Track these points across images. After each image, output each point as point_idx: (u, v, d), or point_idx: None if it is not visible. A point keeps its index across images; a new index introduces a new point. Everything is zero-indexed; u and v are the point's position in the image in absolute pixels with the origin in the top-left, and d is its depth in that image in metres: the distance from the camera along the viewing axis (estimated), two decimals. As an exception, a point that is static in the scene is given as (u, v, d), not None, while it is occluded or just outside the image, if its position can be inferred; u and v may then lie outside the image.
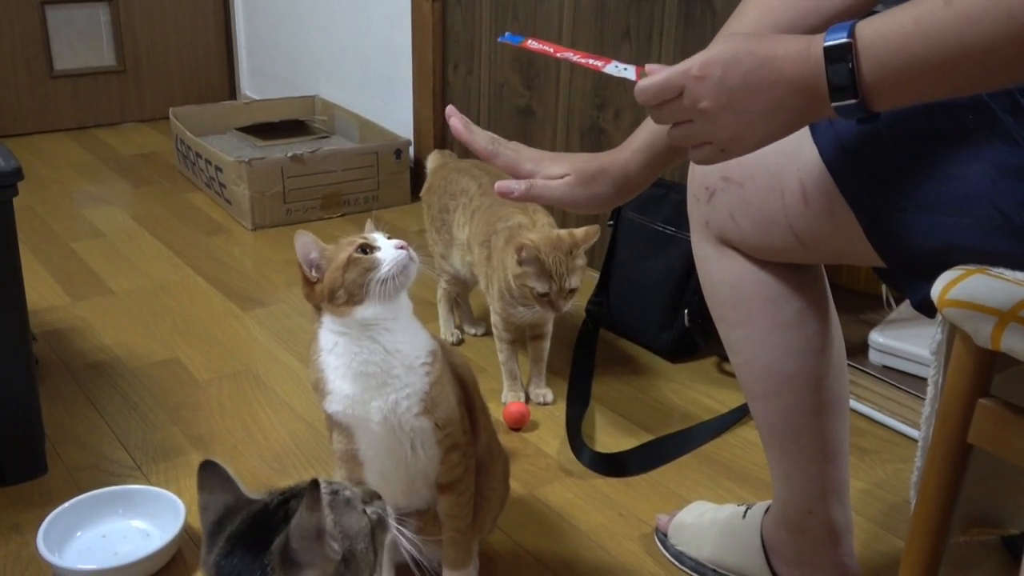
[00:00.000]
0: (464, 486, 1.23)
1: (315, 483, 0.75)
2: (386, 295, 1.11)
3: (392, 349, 1.13)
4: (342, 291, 1.11)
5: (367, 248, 1.12)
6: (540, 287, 1.64)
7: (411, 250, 1.14)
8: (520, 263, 1.65)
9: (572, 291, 1.66)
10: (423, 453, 1.18)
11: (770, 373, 1.15)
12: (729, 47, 0.83)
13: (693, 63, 0.83)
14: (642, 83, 0.86)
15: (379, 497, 0.90)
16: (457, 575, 1.28)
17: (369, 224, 1.22)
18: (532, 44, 0.96)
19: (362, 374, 1.13)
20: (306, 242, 1.14)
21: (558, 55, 0.92)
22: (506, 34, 0.99)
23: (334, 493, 0.84)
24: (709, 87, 0.82)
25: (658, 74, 0.85)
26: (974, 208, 0.91)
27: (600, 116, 2.33)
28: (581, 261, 1.66)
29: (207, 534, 0.83)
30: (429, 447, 1.18)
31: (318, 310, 1.15)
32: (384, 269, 1.10)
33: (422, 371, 1.15)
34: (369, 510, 0.85)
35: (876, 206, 0.98)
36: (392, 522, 0.88)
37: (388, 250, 1.12)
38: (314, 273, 1.14)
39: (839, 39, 0.78)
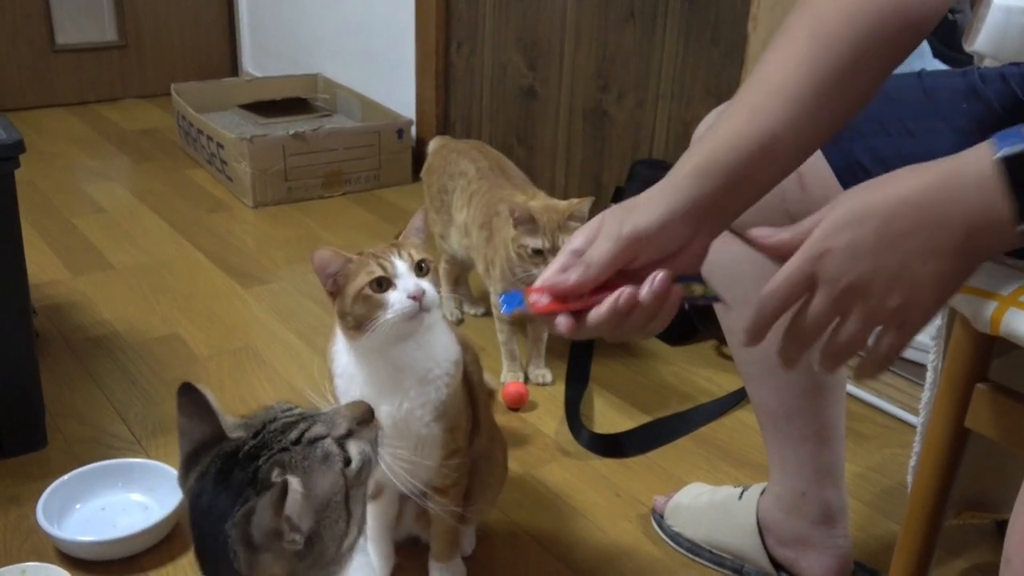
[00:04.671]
0: (457, 490, 1.24)
1: (284, 485, 0.71)
2: (392, 336, 1.08)
3: (403, 365, 1.11)
4: (350, 317, 1.10)
5: (383, 281, 1.08)
6: (534, 243, 1.65)
7: (426, 297, 1.08)
8: (515, 224, 1.66)
9: None
10: (427, 451, 1.19)
11: (766, 354, 1.14)
12: (847, 206, 0.68)
13: (811, 244, 0.67)
14: (763, 295, 0.69)
15: (371, 419, 0.83)
16: (443, 566, 1.30)
17: (412, 229, 1.14)
18: None
19: (370, 384, 1.13)
20: (324, 258, 1.09)
21: None
22: None
23: (311, 443, 0.78)
24: (840, 258, 0.66)
25: (773, 281, 0.68)
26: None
27: (603, 98, 2.33)
28: (576, 225, 1.66)
29: (182, 460, 0.81)
30: (434, 448, 1.19)
31: None
32: (390, 314, 1.07)
33: (440, 383, 1.14)
34: (356, 448, 0.80)
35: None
36: (383, 453, 0.83)
37: (401, 291, 1.07)
38: (331, 284, 1.10)
39: (1020, 146, 0.63)
